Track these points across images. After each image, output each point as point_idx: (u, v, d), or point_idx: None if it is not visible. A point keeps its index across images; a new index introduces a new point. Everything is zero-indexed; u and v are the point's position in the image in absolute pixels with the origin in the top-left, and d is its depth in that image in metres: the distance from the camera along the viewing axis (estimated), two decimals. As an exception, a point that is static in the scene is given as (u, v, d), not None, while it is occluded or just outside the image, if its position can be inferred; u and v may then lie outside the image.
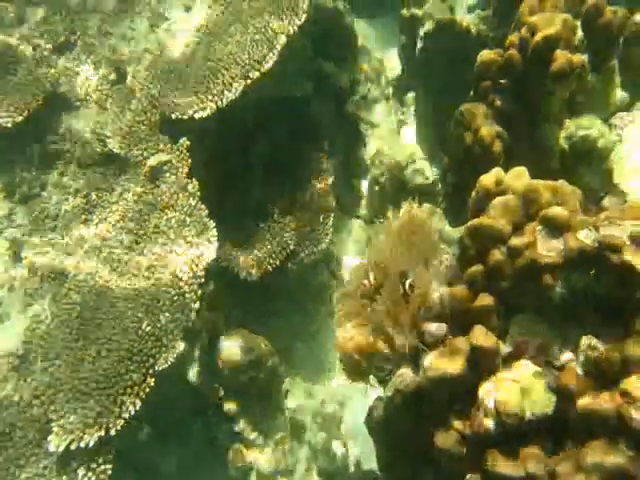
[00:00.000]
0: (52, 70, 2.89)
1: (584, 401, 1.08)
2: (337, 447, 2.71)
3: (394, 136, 3.15)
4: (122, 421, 2.25)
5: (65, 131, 2.90)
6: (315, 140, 2.91)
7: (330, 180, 2.83)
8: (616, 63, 1.59)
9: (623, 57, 1.60)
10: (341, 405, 2.83)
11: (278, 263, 2.76)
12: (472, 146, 1.67)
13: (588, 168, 1.54)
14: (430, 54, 2.58)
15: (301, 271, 2.93)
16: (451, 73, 2.45)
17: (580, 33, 1.57)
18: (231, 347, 2.70)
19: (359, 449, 2.66)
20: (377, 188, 3.11)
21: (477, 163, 1.65)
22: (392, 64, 3.32)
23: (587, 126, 1.55)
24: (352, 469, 2.69)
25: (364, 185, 3.23)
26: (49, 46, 2.92)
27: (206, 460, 2.75)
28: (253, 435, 2.75)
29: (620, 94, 1.59)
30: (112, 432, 2.24)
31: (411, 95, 3.13)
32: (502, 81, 1.67)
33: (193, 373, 2.65)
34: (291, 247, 2.78)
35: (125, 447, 2.45)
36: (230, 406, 2.73)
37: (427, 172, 2.97)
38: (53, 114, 2.90)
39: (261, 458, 2.72)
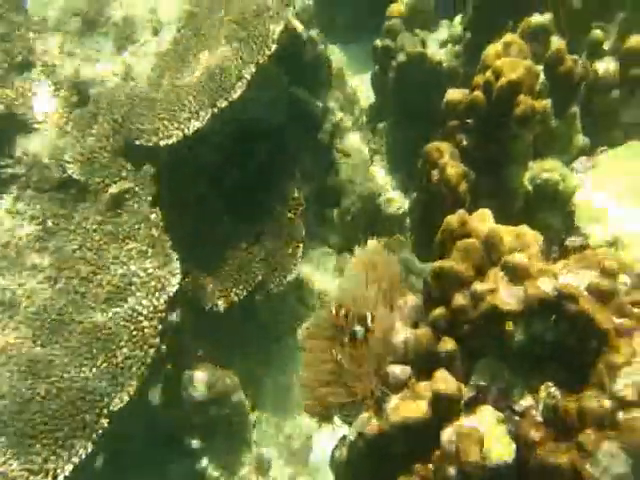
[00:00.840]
0: (7, 90, 2.86)
1: (541, 452, 1.11)
2: None
3: (366, 165, 3.20)
4: (71, 466, 2.18)
5: (21, 155, 2.86)
6: (286, 168, 2.94)
7: (300, 209, 2.86)
8: (577, 109, 1.67)
9: (585, 103, 1.68)
10: (309, 439, 2.81)
11: (246, 294, 2.76)
12: (438, 184, 1.72)
13: (551, 210, 1.60)
14: (402, 86, 2.65)
15: (271, 301, 2.93)
16: (422, 105, 2.53)
17: (543, 77, 1.64)
18: (194, 381, 2.67)
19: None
20: (348, 218, 3.15)
21: (443, 201, 1.70)
22: (366, 92, 3.40)
23: (550, 169, 1.61)
24: None
25: (336, 214, 3.25)
26: (5, 65, 2.90)
27: None
28: (217, 472, 2.71)
29: (582, 139, 1.66)
30: (60, 478, 2.17)
31: (383, 125, 3.20)
32: (468, 121, 1.73)
33: (155, 406, 2.62)
34: (259, 277, 2.78)
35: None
36: (193, 442, 2.69)
37: (399, 202, 3.03)
38: (8, 136, 2.87)
39: None
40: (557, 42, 1.72)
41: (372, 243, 1.60)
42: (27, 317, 2.49)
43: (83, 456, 2.19)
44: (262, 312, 3.01)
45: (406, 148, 2.87)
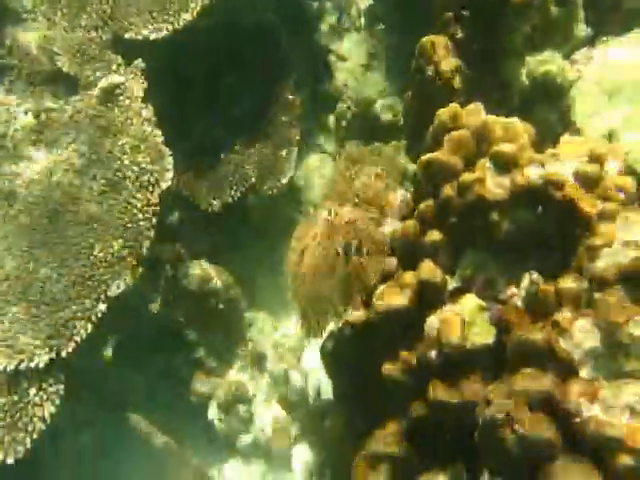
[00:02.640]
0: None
1: (518, 330, 1.12)
2: (296, 378, 2.78)
3: (363, 70, 3.05)
4: (74, 344, 2.24)
5: (12, 44, 2.69)
6: (281, 70, 2.79)
7: (295, 112, 2.75)
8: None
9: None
10: (302, 340, 2.90)
11: (239, 195, 2.72)
12: (432, 80, 1.65)
13: (547, 105, 1.52)
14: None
15: (265, 204, 2.89)
16: (424, 7, 2.34)
17: None
18: (190, 276, 2.70)
19: (318, 380, 2.75)
20: (344, 123, 3.03)
21: (437, 97, 1.62)
22: (364, -7, 3.16)
23: (547, 61, 1.52)
24: (311, 399, 2.79)
25: (332, 120, 3.14)
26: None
27: (166, 387, 2.80)
28: (214, 363, 2.81)
29: (583, 29, 1.55)
30: (63, 354, 2.24)
31: (381, 27, 3.00)
32: (463, 12, 1.62)
33: (153, 303, 2.66)
34: (252, 180, 2.72)
35: (85, 370, 2.48)
36: (190, 335, 2.76)
37: (397, 108, 2.90)
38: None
39: (221, 385, 2.78)
40: None
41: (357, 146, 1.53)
42: (26, 207, 2.46)
43: (84, 336, 2.24)
44: (257, 216, 2.98)
45: (406, 52, 2.71)
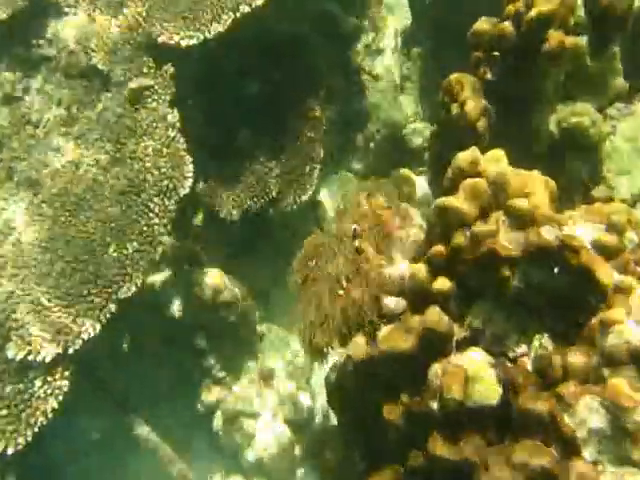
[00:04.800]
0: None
1: (523, 398, 1.09)
2: (304, 398, 2.76)
3: (396, 92, 3.02)
4: (81, 341, 2.27)
5: (52, 37, 2.75)
6: (311, 86, 2.79)
7: (321, 130, 2.74)
8: (618, 49, 1.49)
9: (630, 44, 1.49)
10: (313, 359, 2.86)
11: (259, 207, 2.72)
12: (457, 119, 1.61)
13: (577, 157, 1.47)
14: (442, 8, 2.42)
15: (286, 218, 2.89)
16: (463, 32, 2.30)
17: (581, 13, 1.46)
18: (203, 285, 2.71)
19: (325, 404, 2.72)
20: (372, 145, 3.01)
21: (461, 137, 1.58)
22: (404, 13, 3.13)
23: (580, 112, 1.46)
24: (317, 422, 2.77)
25: (360, 139, 3.12)
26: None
27: (173, 391, 2.81)
28: (222, 373, 2.81)
29: (621, 82, 1.49)
30: (70, 351, 2.27)
31: (418, 49, 2.97)
32: (495, 53, 1.59)
33: (168, 304, 2.68)
34: (273, 193, 2.73)
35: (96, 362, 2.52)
36: (200, 342, 2.77)
37: (426, 134, 2.87)
38: (40, 17, 2.74)
39: (228, 397, 2.78)
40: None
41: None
42: (50, 197, 2.51)
43: (92, 334, 2.27)
44: (276, 230, 2.98)
45: (440, 77, 2.67)
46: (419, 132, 2.85)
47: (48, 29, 2.75)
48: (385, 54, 3.10)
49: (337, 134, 3.04)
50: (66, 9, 2.74)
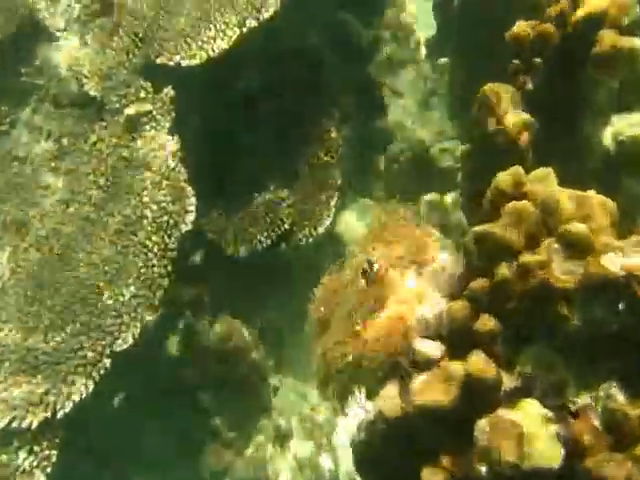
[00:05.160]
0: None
1: (592, 462, 1.03)
2: (325, 461, 2.70)
3: (420, 108, 3.06)
4: (71, 403, 2.26)
5: (42, 64, 2.86)
6: (325, 105, 2.85)
7: (337, 152, 2.77)
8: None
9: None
10: (336, 412, 2.83)
11: (270, 242, 2.74)
12: (495, 135, 1.60)
13: (637, 175, 1.45)
14: (470, 15, 2.46)
15: (300, 253, 2.90)
16: (496, 36, 2.33)
17: (638, 10, 1.46)
18: (207, 332, 2.70)
19: (351, 466, 2.65)
20: (396, 167, 3.02)
21: (500, 156, 1.58)
22: (427, 21, 3.19)
23: (638, 124, 1.45)
24: None
25: (382, 161, 3.14)
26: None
27: (174, 455, 2.77)
28: (231, 434, 2.77)
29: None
30: (59, 415, 2.26)
31: (445, 60, 3.02)
32: (536, 60, 1.58)
33: (170, 353, 2.68)
34: (286, 225, 2.74)
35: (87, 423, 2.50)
36: (207, 398, 2.75)
37: (457, 153, 2.87)
38: (29, 44, 2.86)
39: (238, 462, 2.74)
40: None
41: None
42: (37, 240, 2.56)
43: (84, 394, 2.26)
44: (290, 267, 2.99)
45: (471, 90, 2.70)
46: (448, 151, 2.85)
47: (38, 56, 2.86)
48: (408, 66, 3.15)
49: (356, 157, 3.07)
50: (57, 34, 2.85)
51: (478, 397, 1.19)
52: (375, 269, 1.36)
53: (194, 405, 2.73)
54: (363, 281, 1.37)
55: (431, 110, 3.07)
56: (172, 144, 2.45)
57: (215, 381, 2.75)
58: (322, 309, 1.47)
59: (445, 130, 2.92)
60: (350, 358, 1.37)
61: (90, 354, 2.27)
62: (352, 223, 3.08)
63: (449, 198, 2.61)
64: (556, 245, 1.12)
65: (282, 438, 2.79)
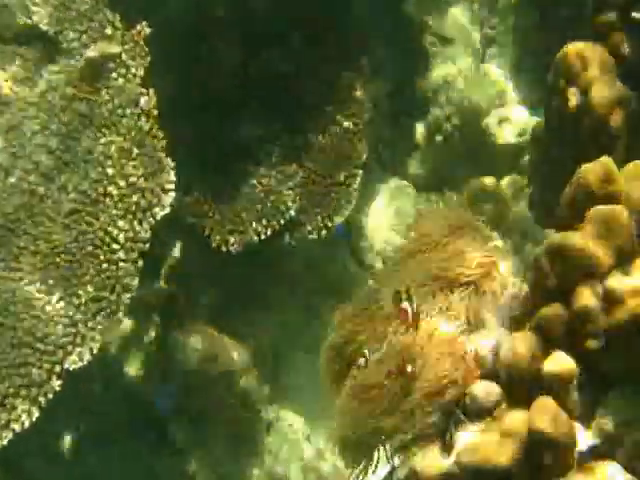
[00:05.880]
0: None
1: None
2: None
3: (475, 61, 3.07)
4: (10, 433, 2.30)
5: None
6: (350, 54, 2.83)
7: (363, 118, 2.76)
8: None
9: None
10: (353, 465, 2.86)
11: (269, 234, 2.75)
12: (577, 112, 1.59)
13: None
14: None
15: (308, 251, 2.94)
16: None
17: None
18: (186, 350, 2.72)
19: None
20: (439, 138, 3.04)
21: (583, 140, 1.58)
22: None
23: None
24: None
25: (421, 130, 3.18)
26: None
27: None
28: (211, 484, 2.81)
29: None
30: (-5, 448, 2.30)
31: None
32: (635, 15, 1.57)
33: (134, 375, 2.74)
34: (291, 212, 2.75)
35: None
36: (180, 434, 2.78)
37: (522, 124, 2.89)
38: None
39: None
40: None
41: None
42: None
43: (26, 423, 2.29)
44: (295, 265, 3.03)
45: (544, 39, 2.69)
46: (510, 122, 2.85)
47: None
48: (459, 5, 3.15)
49: (387, 124, 3.10)
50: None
51: (544, 459, 1.21)
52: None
53: (164, 444, 2.76)
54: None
55: (489, 64, 3.07)
56: (146, 100, 2.44)
57: (192, 413, 2.78)
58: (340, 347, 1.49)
59: (506, 93, 2.92)
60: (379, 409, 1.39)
61: (35, 373, 2.30)
62: (379, 210, 3.09)
63: (508, 185, 2.62)
64: (655, 266, 1.13)
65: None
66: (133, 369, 2.80)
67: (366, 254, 3.08)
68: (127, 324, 2.81)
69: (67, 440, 2.67)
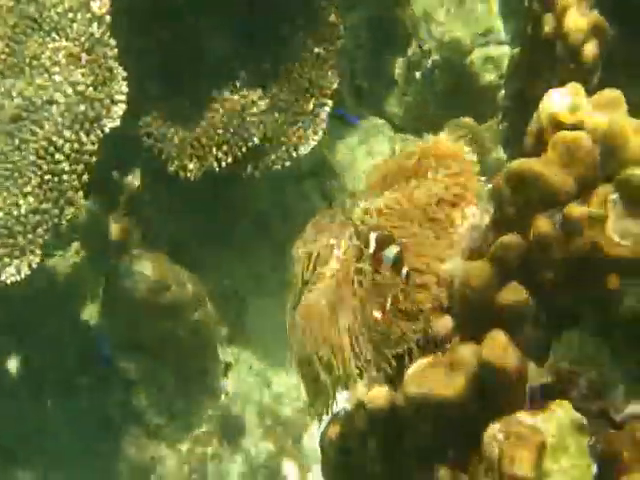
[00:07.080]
0: None
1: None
2: (289, 470, 2.79)
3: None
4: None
5: None
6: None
7: (337, 45, 2.75)
8: None
9: None
10: (310, 410, 2.89)
11: (232, 161, 2.74)
12: (552, 40, 1.59)
13: None
14: None
15: (274, 183, 2.94)
16: None
17: None
18: (134, 277, 2.72)
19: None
20: (418, 75, 3.04)
21: (555, 69, 1.58)
22: None
23: None
24: None
25: (400, 66, 3.18)
26: None
27: (85, 444, 2.84)
28: (160, 420, 2.84)
29: None
30: None
31: None
32: None
33: (85, 307, 2.79)
34: (255, 139, 2.73)
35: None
36: (129, 369, 2.79)
37: (505, 63, 2.87)
38: None
39: (168, 458, 2.82)
40: None
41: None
42: None
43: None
44: (260, 199, 3.05)
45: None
46: (494, 61, 2.85)
47: None
48: None
49: (364, 56, 3.09)
50: None
51: (492, 393, 1.24)
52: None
53: (111, 377, 2.77)
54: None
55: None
56: (99, 4, 2.40)
57: (140, 345, 2.79)
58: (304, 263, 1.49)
59: (492, 28, 2.91)
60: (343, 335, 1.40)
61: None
62: (351, 150, 3.09)
63: (489, 127, 2.62)
64: (614, 196, 1.14)
65: (232, 433, 2.86)
66: (82, 302, 2.79)
67: (334, 193, 3.08)
68: (78, 257, 2.79)
69: (13, 373, 2.66)
